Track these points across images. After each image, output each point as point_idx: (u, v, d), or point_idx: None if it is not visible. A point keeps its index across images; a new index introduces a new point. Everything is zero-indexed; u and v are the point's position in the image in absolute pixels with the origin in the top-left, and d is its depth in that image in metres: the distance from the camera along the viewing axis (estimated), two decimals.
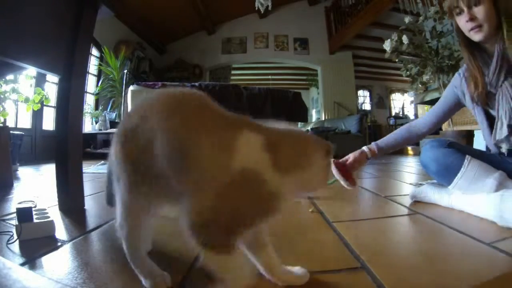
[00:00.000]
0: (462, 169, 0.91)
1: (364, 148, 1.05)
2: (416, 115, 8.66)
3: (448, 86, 1.06)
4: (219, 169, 0.36)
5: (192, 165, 0.37)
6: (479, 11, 0.83)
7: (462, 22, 0.88)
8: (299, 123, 4.61)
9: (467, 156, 0.92)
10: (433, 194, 1.02)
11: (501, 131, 0.88)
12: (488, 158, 0.95)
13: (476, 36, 0.86)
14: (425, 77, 2.95)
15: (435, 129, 1.09)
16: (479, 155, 0.96)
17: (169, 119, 0.40)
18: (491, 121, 0.95)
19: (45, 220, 0.68)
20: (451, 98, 1.03)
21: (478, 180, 0.88)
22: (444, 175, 0.95)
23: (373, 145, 1.06)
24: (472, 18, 0.84)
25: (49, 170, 2.38)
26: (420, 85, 3.23)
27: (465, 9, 0.85)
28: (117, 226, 0.47)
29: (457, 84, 1.00)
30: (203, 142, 0.37)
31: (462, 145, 1.04)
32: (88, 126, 4.42)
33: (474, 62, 0.92)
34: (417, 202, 1.06)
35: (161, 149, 0.39)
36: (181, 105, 0.42)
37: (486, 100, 0.91)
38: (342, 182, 0.92)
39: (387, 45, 2.89)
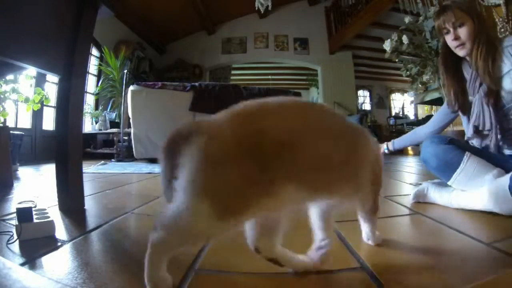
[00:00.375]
0: (461, 165, 0.94)
1: (384, 144, 1.25)
2: (416, 115, 8.67)
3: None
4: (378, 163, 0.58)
5: (362, 164, 0.51)
6: (462, 31, 0.97)
7: (449, 40, 1.02)
8: None
9: (466, 152, 0.95)
10: (433, 192, 1.03)
11: (470, 130, 1.01)
12: (487, 156, 0.97)
13: (461, 52, 1.01)
14: (425, 77, 2.95)
15: (438, 132, 1.17)
16: (479, 153, 0.97)
17: (338, 130, 0.48)
18: None
19: (45, 220, 0.68)
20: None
21: (476, 177, 0.91)
22: (444, 170, 0.98)
23: (390, 142, 1.27)
24: (457, 38, 0.99)
25: (49, 170, 2.38)
26: (420, 85, 3.23)
27: (451, 29, 0.99)
28: (157, 228, 0.42)
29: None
30: (368, 146, 0.54)
31: (462, 142, 1.06)
32: (88, 126, 4.43)
33: (447, 75, 1.07)
34: (417, 202, 1.06)
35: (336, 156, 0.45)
36: (332, 117, 0.50)
37: (462, 107, 1.06)
38: None
39: (387, 45, 2.89)
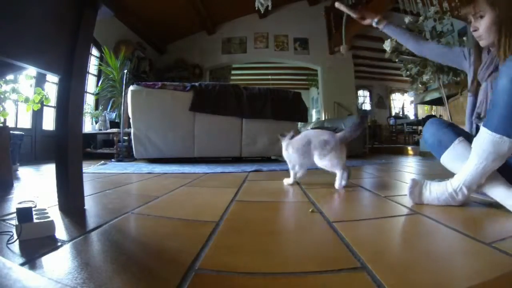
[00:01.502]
0: (451, 145, 1.03)
1: (378, 16, 1.28)
2: (416, 115, 8.67)
3: (456, 47, 1.24)
4: None
5: None
6: (481, 23, 0.99)
7: (471, 29, 1.05)
8: (299, 123, 4.61)
9: (460, 137, 1.02)
10: (428, 186, 1.04)
11: (474, 115, 1.10)
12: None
13: (480, 43, 1.04)
14: (425, 77, 2.96)
15: (427, 54, 1.26)
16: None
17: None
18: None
19: (45, 220, 0.68)
20: (456, 53, 1.18)
21: (460, 161, 0.98)
22: (437, 149, 1.09)
23: (385, 21, 1.27)
24: (475, 29, 1.02)
25: (49, 170, 2.38)
26: (420, 85, 3.23)
27: (472, 20, 1.02)
28: None
29: (467, 55, 1.16)
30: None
31: (462, 129, 1.11)
32: (88, 126, 4.43)
33: (477, 58, 1.10)
34: (414, 202, 1.06)
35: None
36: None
37: (476, 91, 1.11)
38: (349, 11, 1.30)
39: (387, 45, 2.89)
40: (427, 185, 1.04)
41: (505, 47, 0.94)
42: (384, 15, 1.26)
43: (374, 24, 1.26)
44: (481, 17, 0.98)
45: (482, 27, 0.98)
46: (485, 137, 0.86)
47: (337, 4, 1.29)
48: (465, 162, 0.95)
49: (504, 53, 0.94)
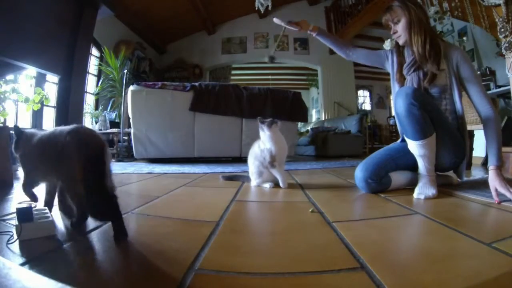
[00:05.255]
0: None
1: (312, 26, 1.44)
2: None
3: (379, 51, 1.49)
4: None
5: None
6: (399, 26, 1.26)
7: (391, 33, 1.30)
8: (299, 123, 4.61)
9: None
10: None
11: None
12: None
13: (399, 41, 1.30)
14: None
15: (358, 59, 1.51)
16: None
17: None
18: None
19: (45, 220, 0.68)
20: (380, 55, 1.46)
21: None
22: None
23: (317, 30, 1.44)
24: (394, 32, 1.28)
25: None
26: None
27: (392, 26, 1.28)
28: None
29: (388, 56, 1.43)
30: None
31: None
32: (88, 126, 4.42)
33: (398, 56, 1.36)
34: (417, 201, 1.06)
35: None
36: None
37: (402, 82, 1.35)
38: (289, 26, 1.42)
39: (387, 45, 2.89)
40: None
41: (416, 44, 1.21)
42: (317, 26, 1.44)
43: (309, 32, 1.43)
44: (398, 21, 1.25)
45: (400, 29, 1.25)
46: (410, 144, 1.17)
47: (275, 20, 1.42)
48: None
49: (417, 49, 1.22)
